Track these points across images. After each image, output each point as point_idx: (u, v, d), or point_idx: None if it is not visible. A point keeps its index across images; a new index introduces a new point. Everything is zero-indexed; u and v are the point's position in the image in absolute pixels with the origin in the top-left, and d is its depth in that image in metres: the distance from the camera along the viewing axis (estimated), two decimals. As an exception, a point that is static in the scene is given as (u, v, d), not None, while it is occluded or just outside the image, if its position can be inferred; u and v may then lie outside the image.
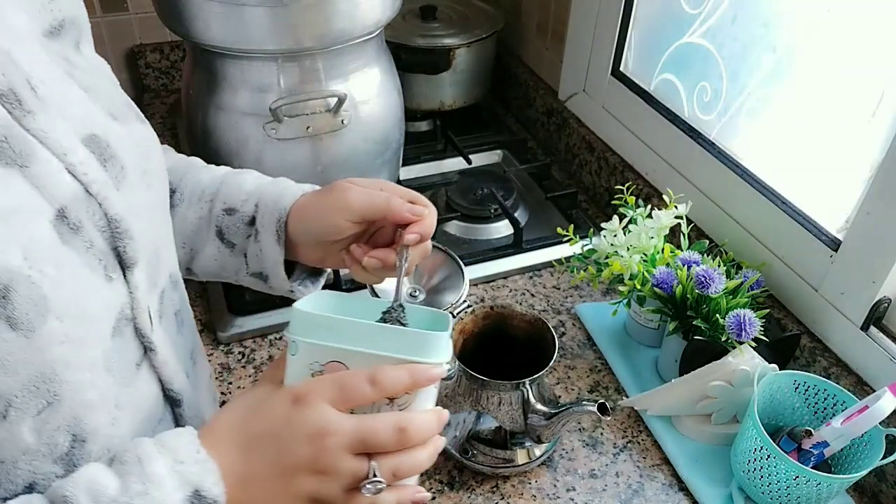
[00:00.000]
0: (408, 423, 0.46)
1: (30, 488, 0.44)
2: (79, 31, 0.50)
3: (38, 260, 0.40)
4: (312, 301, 0.53)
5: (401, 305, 0.55)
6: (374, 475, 0.45)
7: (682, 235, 0.92)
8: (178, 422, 0.56)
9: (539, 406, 0.75)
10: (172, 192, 0.67)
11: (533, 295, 1.05)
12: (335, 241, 0.63)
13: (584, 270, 0.93)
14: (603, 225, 0.93)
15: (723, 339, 0.80)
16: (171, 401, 0.55)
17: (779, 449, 0.71)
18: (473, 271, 1.05)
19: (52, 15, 0.47)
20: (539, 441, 0.77)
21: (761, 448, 0.72)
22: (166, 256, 0.55)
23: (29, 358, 0.40)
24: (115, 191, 0.45)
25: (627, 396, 0.88)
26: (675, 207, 0.90)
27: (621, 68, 1.18)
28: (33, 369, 0.41)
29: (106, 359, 0.45)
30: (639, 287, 0.87)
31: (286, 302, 0.97)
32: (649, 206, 0.92)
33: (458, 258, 0.82)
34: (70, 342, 0.42)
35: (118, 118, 0.49)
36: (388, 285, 0.78)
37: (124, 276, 0.47)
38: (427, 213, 0.60)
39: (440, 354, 0.48)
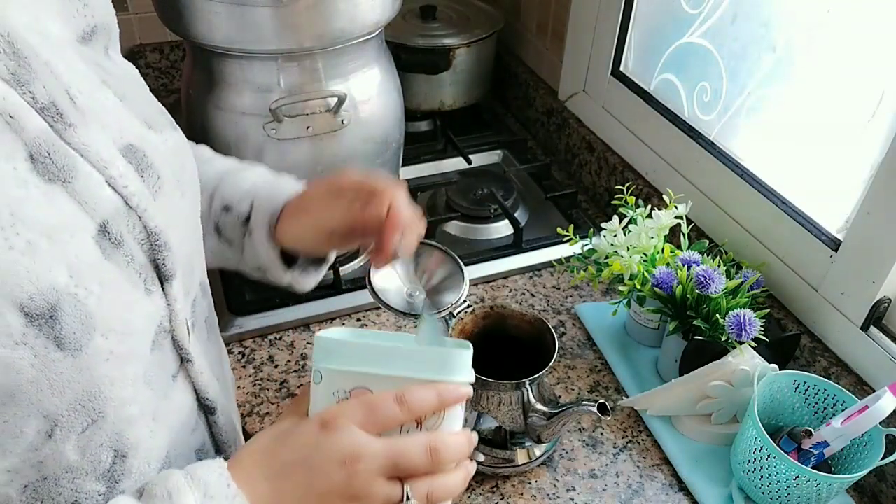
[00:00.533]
0: (439, 443, 0.46)
1: None
2: (108, 36, 0.50)
3: (84, 277, 0.39)
4: (332, 337, 0.52)
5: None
6: (408, 498, 0.44)
7: (682, 235, 0.92)
8: (211, 429, 0.56)
9: (539, 406, 0.75)
10: None
11: (533, 295, 1.05)
12: (330, 232, 0.64)
13: (584, 270, 0.93)
14: (603, 225, 0.93)
15: (723, 339, 0.80)
16: (206, 409, 0.55)
17: (779, 449, 0.71)
18: (473, 271, 1.05)
19: (86, 21, 0.46)
20: (539, 441, 0.77)
21: (761, 448, 0.72)
22: (198, 264, 0.55)
23: (75, 377, 0.40)
24: (153, 201, 0.45)
25: (627, 396, 0.88)
26: (675, 207, 0.90)
27: (621, 68, 1.18)
28: (79, 388, 0.40)
29: (146, 372, 0.45)
30: (639, 287, 0.87)
31: (286, 302, 0.98)
32: (649, 206, 0.92)
33: (458, 258, 0.82)
34: (114, 359, 0.42)
35: (153, 126, 0.48)
36: (389, 284, 0.78)
37: (163, 288, 0.46)
38: (397, 212, 0.59)
39: (465, 374, 0.48)
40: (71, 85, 0.41)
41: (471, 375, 0.49)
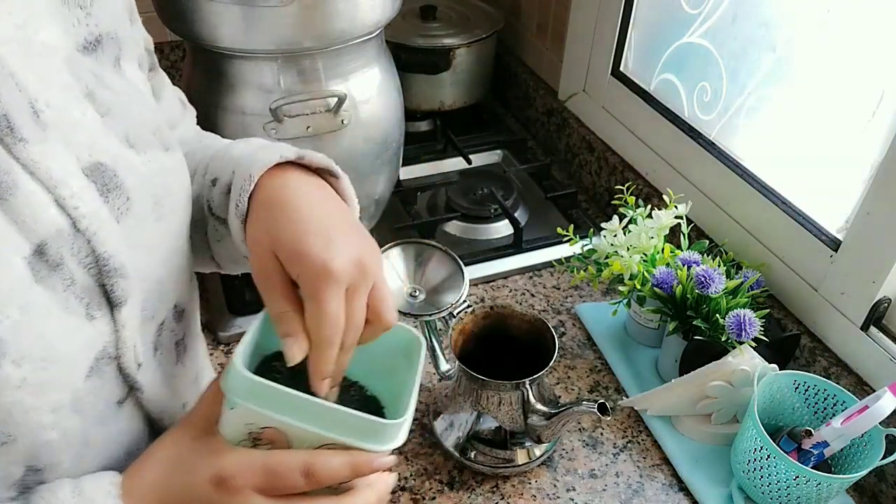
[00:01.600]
0: None
1: None
2: (118, 47, 0.48)
3: (0, 301, 0.37)
4: (256, 331, 0.48)
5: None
6: None
7: (682, 235, 0.92)
8: None
9: (539, 406, 0.75)
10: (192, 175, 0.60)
11: (533, 295, 1.05)
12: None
13: (584, 270, 0.93)
14: (603, 225, 0.93)
15: (723, 339, 0.80)
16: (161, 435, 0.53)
17: (779, 449, 0.71)
18: (473, 271, 1.05)
19: (88, 30, 0.45)
20: (539, 441, 0.77)
21: (761, 448, 0.72)
22: (173, 288, 0.52)
23: None
24: (115, 223, 0.43)
25: (627, 396, 0.88)
26: (675, 207, 0.90)
27: (621, 68, 1.18)
28: None
29: (75, 400, 0.43)
30: (639, 287, 0.87)
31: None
32: (649, 206, 0.92)
33: (458, 258, 0.82)
34: (29, 386, 0.40)
35: (135, 145, 0.46)
36: (389, 284, 0.78)
37: (112, 313, 0.44)
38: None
39: (391, 441, 0.45)
40: (38, 97, 0.40)
41: (400, 440, 0.46)
